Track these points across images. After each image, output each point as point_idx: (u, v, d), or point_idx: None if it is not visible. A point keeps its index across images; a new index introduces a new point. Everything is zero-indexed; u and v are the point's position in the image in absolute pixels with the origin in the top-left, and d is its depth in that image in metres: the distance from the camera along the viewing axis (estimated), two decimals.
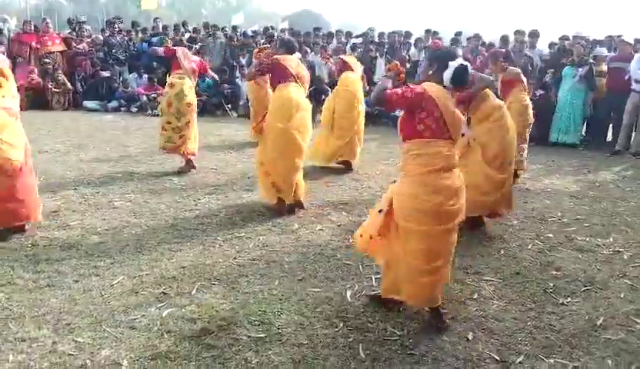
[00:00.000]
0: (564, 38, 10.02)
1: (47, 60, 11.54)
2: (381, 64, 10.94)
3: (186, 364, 2.60)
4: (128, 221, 4.56)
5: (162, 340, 2.78)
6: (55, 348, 2.70)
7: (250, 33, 13.21)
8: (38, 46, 11.63)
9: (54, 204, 4.92)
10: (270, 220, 4.69)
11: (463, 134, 3.54)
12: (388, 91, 2.84)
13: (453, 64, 2.83)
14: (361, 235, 3.13)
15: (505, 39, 9.72)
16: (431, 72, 2.93)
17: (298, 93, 4.68)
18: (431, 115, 2.78)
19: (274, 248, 4.07)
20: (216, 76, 7.75)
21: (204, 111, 10.62)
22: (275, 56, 4.79)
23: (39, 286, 3.33)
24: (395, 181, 3.02)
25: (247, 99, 9.76)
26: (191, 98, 6.15)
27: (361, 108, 6.56)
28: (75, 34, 12.70)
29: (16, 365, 2.56)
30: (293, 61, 4.79)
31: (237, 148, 7.84)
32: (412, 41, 11.66)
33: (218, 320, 2.96)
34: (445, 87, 2.87)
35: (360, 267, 3.75)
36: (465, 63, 2.91)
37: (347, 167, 6.60)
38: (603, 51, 9.01)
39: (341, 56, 7.30)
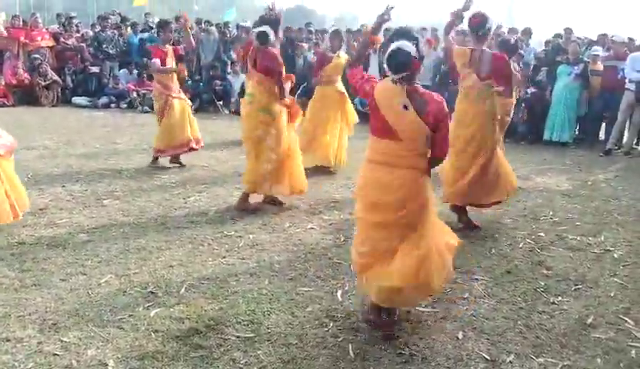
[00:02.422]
0: (558, 36, 10.05)
1: (36, 55, 11.40)
2: (374, 61, 10.90)
3: (174, 364, 2.56)
4: (116, 219, 4.51)
5: (150, 339, 2.75)
6: (41, 348, 2.65)
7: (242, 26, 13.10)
8: (27, 41, 11.50)
9: (41, 201, 4.86)
10: (261, 218, 4.66)
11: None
12: (351, 70, 2.84)
13: (392, 46, 2.68)
14: None
15: (499, 36, 9.70)
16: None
17: None
18: (375, 115, 2.77)
19: (264, 247, 4.03)
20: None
21: (199, 108, 10.56)
22: None
23: (25, 285, 3.28)
24: None
25: (238, 95, 9.73)
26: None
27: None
28: (63, 29, 12.56)
29: (0, 366, 2.51)
30: None
31: (228, 145, 7.79)
32: None
33: (207, 320, 2.93)
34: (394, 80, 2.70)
35: (351, 266, 3.71)
36: (399, 44, 2.66)
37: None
38: (598, 49, 9.04)
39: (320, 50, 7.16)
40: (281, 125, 4.68)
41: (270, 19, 4.65)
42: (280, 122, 4.67)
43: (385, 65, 2.72)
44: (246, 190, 4.84)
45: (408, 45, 2.66)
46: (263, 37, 4.56)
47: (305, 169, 5.11)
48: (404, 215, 2.74)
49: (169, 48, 6.23)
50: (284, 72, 4.70)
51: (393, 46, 2.69)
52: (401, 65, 2.66)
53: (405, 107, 2.67)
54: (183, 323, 2.91)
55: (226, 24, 13.45)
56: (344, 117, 6.45)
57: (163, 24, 6.41)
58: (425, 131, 2.68)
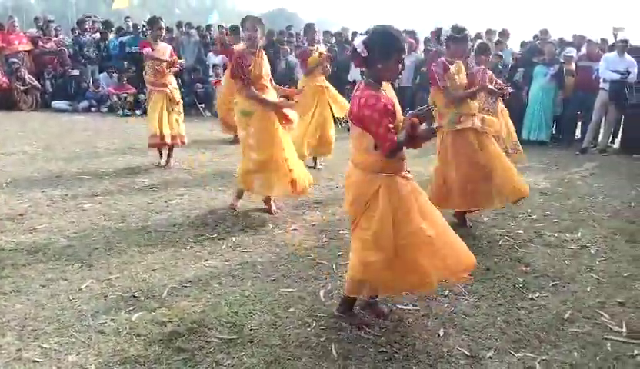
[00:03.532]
0: (535, 37, 10.23)
1: (14, 59, 11.25)
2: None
3: (156, 368, 2.56)
4: (97, 224, 4.48)
5: (132, 344, 2.74)
6: (20, 355, 2.62)
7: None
8: (4, 45, 11.33)
9: (21, 207, 4.80)
10: (243, 220, 4.66)
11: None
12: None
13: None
14: None
15: (477, 37, 9.86)
16: None
17: None
18: None
19: (246, 249, 4.04)
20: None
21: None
22: None
23: (4, 291, 3.24)
24: None
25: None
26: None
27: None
28: (42, 33, 12.41)
29: None
30: None
31: (210, 148, 7.77)
32: None
33: (189, 323, 2.93)
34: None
35: (334, 266, 3.75)
36: (352, 44, 2.76)
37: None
38: (572, 51, 9.22)
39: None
40: (261, 125, 4.57)
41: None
42: (260, 123, 4.56)
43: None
44: (237, 186, 4.92)
45: (357, 42, 2.68)
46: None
47: None
48: (346, 206, 2.90)
49: (161, 47, 6.25)
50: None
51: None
52: (356, 63, 2.77)
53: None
54: (165, 326, 2.90)
55: (208, 27, 13.41)
56: (325, 110, 6.58)
57: (152, 21, 6.40)
58: (357, 126, 2.73)
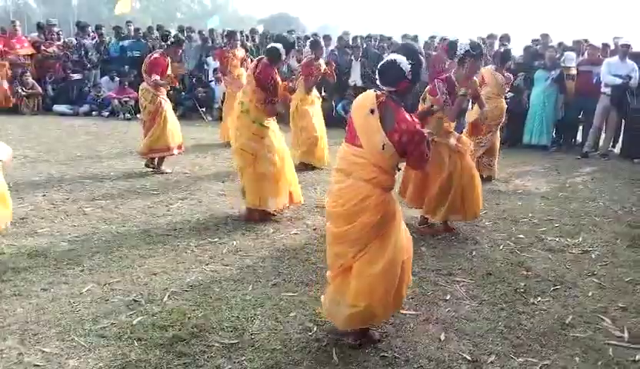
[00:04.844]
0: (536, 41, 10.23)
1: (16, 63, 11.28)
2: (356, 67, 11.02)
3: None
4: (98, 228, 4.48)
5: (132, 348, 2.73)
6: (21, 359, 2.62)
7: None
8: (6, 49, 11.37)
9: (22, 210, 4.80)
10: (244, 224, 4.66)
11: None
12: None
13: (388, 56, 2.69)
14: None
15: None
16: None
17: None
18: (349, 120, 2.77)
19: (247, 253, 4.04)
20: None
21: (182, 115, 10.53)
22: None
23: (5, 295, 3.24)
24: None
25: (221, 102, 9.74)
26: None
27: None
28: (44, 37, 12.44)
29: None
30: None
31: (211, 152, 7.78)
32: (385, 45, 11.73)
33: (190, 327, 2.93)
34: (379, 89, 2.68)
35: None
36: (395, 57, 2.63)
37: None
38: (572, 56, 9.22)
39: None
40: (273, 137, 4.68)
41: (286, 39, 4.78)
42: (272, 134, 4.68)
43: (377, 73, 2.69)
44: (251, 206, 4.75)
45: (404, 62, 2.61)
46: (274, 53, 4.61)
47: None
48: (353, 229, 2.65)
49: (168, 59, 6.36)
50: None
51: (389, 56, 2.66)
52: (391, 78, 2.63)
53: (372, 111, 2.62)
54: (166, 331, 2.90)
55: (211, 31, 13.43)
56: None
57: (178, 42, 6.45)
58: (382, 142, 2.57)
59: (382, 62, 2.68)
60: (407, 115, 2.63)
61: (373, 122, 2.60)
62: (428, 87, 4.57)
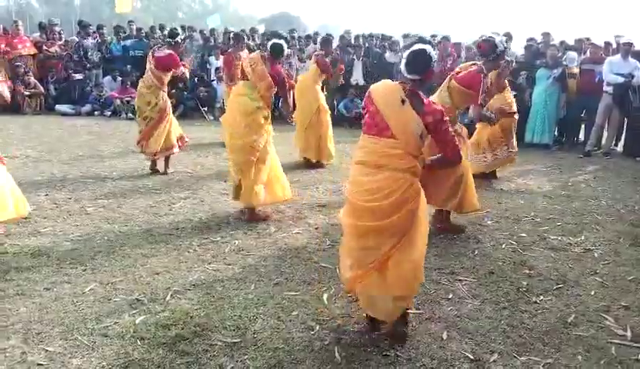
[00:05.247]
0: (533, 40, 10.21)
1: (18, 63, 11.29)
2: (357, 66, 11.04)
3: None
4: (100, 227, 4.49)
5: (135, 347, 2.74)
6: (25, 358, 2.63)
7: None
8: (8, 49, 11.39)
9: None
10: (247, 224, 4.66)
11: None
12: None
13: (416, 46, 2.78)
14: None
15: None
16: None
17: None
18: (368, 110, 2.79)
19: (250, 252, 4.04)
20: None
21: (183, 114, 10.59)
22: None
23: (8, 295, 3.25)
24: None
25: (223, 101, 9.73)
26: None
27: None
28: (46, 37, 12.46)
29: None
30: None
31: (213, 151, 7.79)
32: (387, 44, 11.73)
33: (193, 326, 2.93)
34: (404, 80, 2.77)
35: (337, 269, 3.74)
36: (424, 46, 2.76)
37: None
38: (574, 56, 9.21)
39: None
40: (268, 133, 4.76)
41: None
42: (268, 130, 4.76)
43: (403, 63, 2.76)
44: (249, 207, 4.74)
45: (431, 50, 2.77)
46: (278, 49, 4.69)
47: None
48: (399, 219, 2.68)
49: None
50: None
51: (417, 46, 2.75)
52: (420, 66, 2.74)
53: (403, 101, 2.68)
54: (169, 330, 2.90)
55: (212, 30, 13.44)
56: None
57: (184, 40, 6.71)
58: (420, 129, 2.67)
59: (411, 51, 2.77)
60: (431, 101, 2.81)
61: (408, 112, 2.68)
62: (448, 79, 4.37)
